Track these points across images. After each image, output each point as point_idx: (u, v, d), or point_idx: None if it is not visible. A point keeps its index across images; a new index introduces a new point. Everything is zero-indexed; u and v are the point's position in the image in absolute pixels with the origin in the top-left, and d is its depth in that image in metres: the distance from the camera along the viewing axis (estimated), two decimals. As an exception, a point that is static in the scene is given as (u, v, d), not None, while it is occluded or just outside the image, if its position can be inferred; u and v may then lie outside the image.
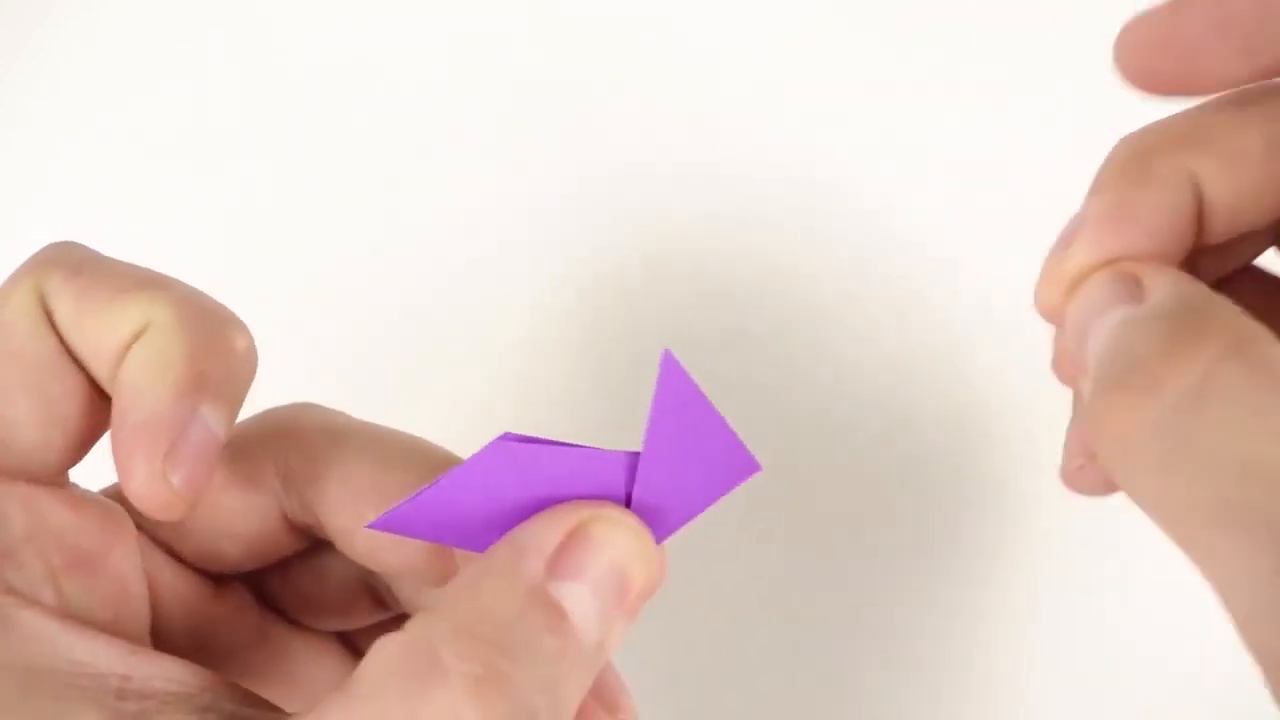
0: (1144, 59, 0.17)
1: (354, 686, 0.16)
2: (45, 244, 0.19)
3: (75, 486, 0.20)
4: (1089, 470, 0.19)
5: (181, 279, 0.20)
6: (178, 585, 0.21)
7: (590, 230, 0.37)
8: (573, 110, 0.38)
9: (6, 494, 0.18)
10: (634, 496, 0.18)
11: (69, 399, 0.19)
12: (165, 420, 0.17)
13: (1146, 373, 0.14)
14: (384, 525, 0.18)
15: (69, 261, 0.19)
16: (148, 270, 0.19)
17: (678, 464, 0.18)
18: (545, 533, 0.17)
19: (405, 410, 0.32)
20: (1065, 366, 0.17)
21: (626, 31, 0.38)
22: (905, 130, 0.37)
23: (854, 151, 0.37)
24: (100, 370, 0.18)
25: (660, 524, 0.19)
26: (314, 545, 0.22)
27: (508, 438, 0.18)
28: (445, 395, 0.37)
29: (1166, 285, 0.16)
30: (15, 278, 0.19)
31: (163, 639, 0.21)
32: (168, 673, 0.17)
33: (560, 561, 0.17)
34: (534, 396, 0.37)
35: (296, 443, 0.21)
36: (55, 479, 0.19)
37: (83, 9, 0.38)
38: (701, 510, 0.19)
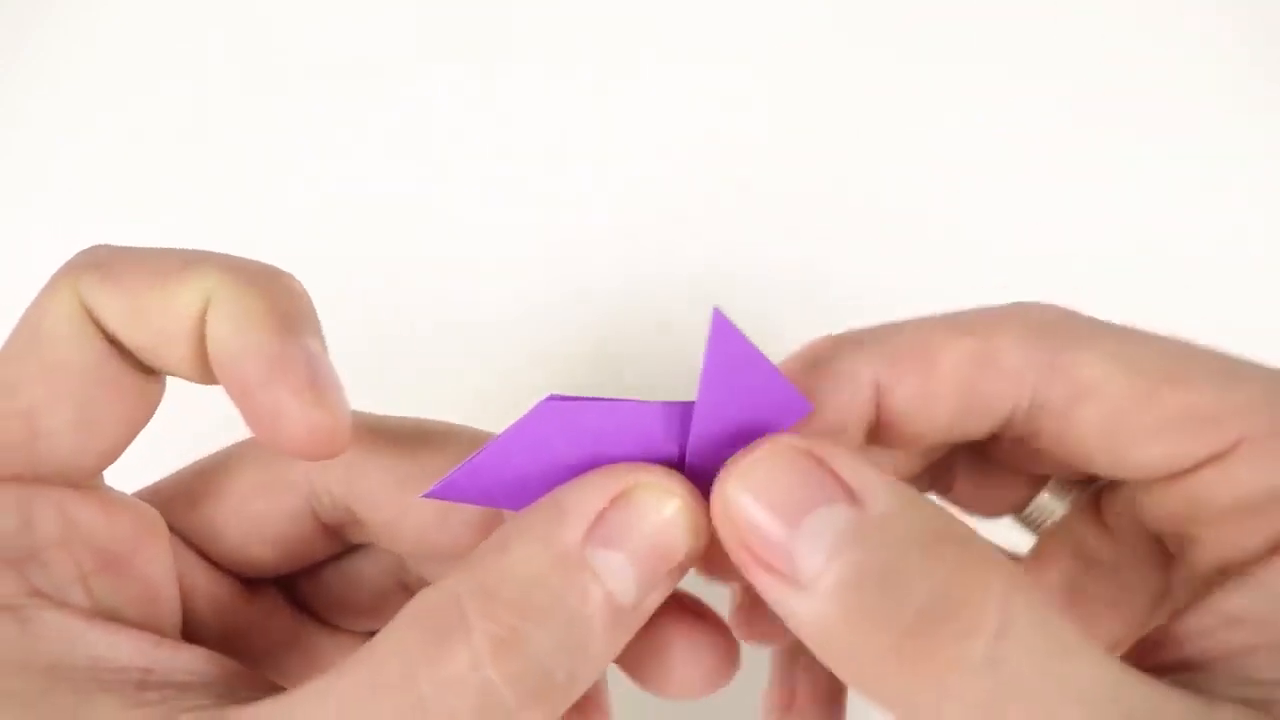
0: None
1: (380, 643, 0.16)
2: (75, 253, 0.19)
3: (109, 489, 0.20)
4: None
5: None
6: (211, 587, 0.21)
7: (592, 231, 0.37)
8: (581, 110, 0.38)
9: (39, 498, 0.18)
10: (689, 448, 0.18)
11: (111, 403, 0.19)
12: (288, 361, 0.17)
13: (954, 616, 0.14)
14: (439, 493, 0.18)
15: (102, 262, 0.18)
16: (179, 250, 0.19)
17: (730, 413, 0.17)
18: (588, 497, 0.17)
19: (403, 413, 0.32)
20: (745, 555, 0.16)
21: (625, 33, 0.38)
22: (909, 135, 0.37)
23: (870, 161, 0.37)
24: (171, 356, 0.18)
25: (715, 473, 0.18)
26: (346, 549, 0.22)
27: (554, 398, 0.18)
28: (445, 398, 0.37)
29: (884, 489, 0.15)
30: (51, 288, 0.18)
31: (195, 639, 0.21)
32: (191, 664, 0.18)
33: (601, 528, 0.17)
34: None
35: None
36: (89, 480, 0.19)
37: (83, 9, 0.38)
38: None
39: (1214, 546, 0.18)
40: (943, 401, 0.18)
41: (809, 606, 0.15)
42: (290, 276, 0.19)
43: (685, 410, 0.18)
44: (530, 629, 0.16)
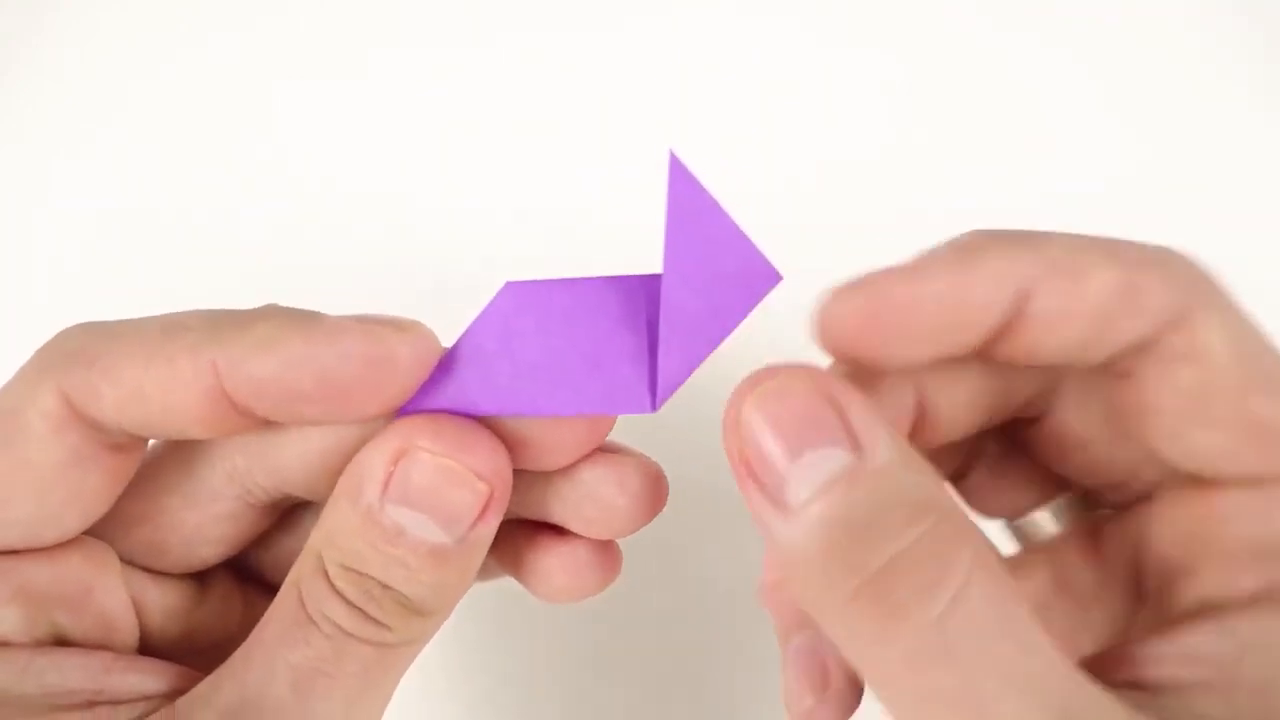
0: (843, 338, 0.18)
1: (258, 630, 0.18)
2: (49, 341, 0.19)
3: None
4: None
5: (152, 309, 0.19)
6: (163, 600, 0.21)
7: (597, 235, 0.37)
8: (592, 108, 0.38)
9: None
10: (660, 321, 0.18)
11: (75, 497, 0.19)
12: (338, 332, 0.18)
13: (917, 575, 0.15)
14: (414, 409, 0.18)
15: (86, 354, 0.18)
16: (156, 320, 0.19)
17: (698, 281, 0.18)
18: (376, 459, 0.18)
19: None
20: (743, 468, 0.17)
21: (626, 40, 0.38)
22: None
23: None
24: (176, 424, 0.18)
25: (688, 349, 0.18)
26: (290, 509, 0.23)
27: (512, 284, 0.18)
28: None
29: (887, 445, 0.16)
30: (35, 380, 0.18)
31: (156, 651, 0.21)
32: (141, 683, 0.19)
33: (391, 488, 0.18)
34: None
35: (237, 443, 0.20)
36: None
37: (83, 11, 0.38)
38: (729, 332, 0.18)
39: (1206, 581, 0.18)
40: (1077, 324, 0.17)
41: (788, 532, 0.16)
42: (271, 305, 0.19)
43: (651, 283, 0.18)
44: (362, 571, 0.18)
